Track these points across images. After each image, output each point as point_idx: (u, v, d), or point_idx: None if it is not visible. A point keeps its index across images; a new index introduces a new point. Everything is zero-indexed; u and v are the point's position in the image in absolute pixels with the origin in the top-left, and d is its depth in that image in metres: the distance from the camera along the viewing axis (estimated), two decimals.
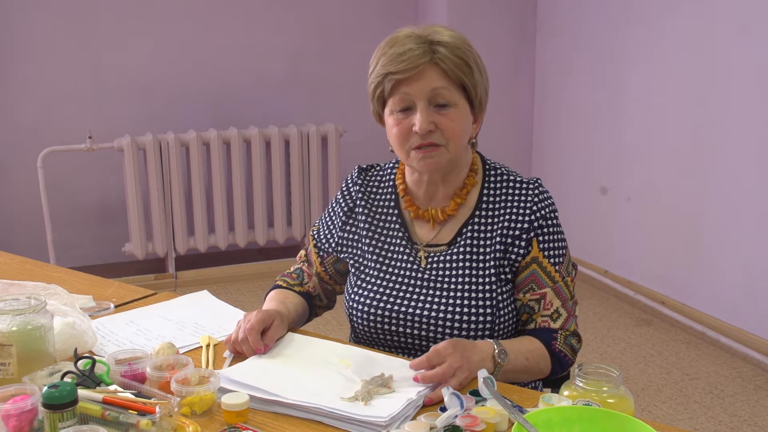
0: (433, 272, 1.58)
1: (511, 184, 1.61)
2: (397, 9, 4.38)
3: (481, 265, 1.56)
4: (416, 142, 1.52)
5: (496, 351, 1.44)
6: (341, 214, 1.70)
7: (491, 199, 1.60)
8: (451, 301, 1.54)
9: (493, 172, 1.63)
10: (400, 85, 1.51)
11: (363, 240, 1.65)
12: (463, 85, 1.52)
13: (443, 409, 1.23)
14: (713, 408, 2.94)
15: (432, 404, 1.31)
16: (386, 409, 1.26)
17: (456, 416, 1.20)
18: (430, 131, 1.50)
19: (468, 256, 1.56)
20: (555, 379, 1.63)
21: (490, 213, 1.59)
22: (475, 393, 1.29)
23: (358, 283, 1.64)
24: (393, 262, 1.61)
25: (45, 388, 1.16)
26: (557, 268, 1.57)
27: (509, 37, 4.36)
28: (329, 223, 1.72)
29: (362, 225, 1.66)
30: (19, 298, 1.39)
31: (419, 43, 1.50)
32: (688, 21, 3.46)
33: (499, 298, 1.55)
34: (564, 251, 1.59)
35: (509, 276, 1.57)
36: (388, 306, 1.57)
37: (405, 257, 1.61)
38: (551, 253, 1.57)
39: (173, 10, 4.03)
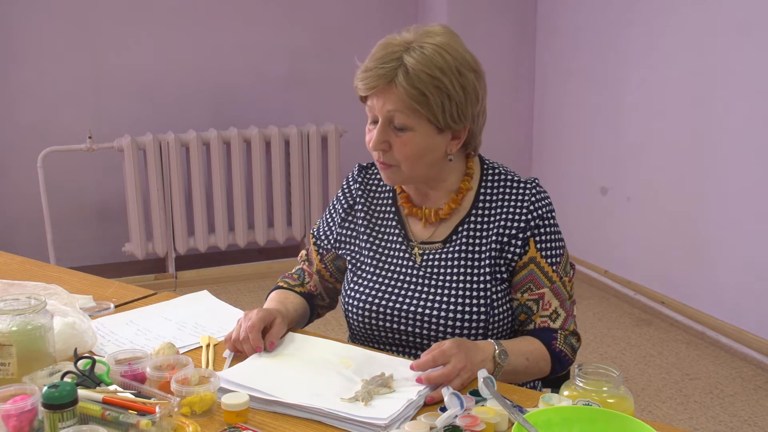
0: (428, 270, 1.58)
1: (508, 183, 1.60)
2: (397, 9, 4.38)
3: (476, 263, 1.56)
4: (375, 156, 1.56)
5: (497, 351, 1.44)
6: (341, 211, 1.70)
7: (488, 198, 1.60)
8: (444, 299, 1.54)
9: (491, 171, 1.63)
10: (365, 98, 1.53)
11: (361, 237, 1.66)
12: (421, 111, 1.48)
13: (443, 409, 1.23)
14: (713, 408, 2.94)
15: (432, 404, 1.31)
16: (386, 410, 1.26)
17: (456, 416, 1.20)
18: (383, 150, 1.52)
19: (463, 255, 1.57)
20: (554, 379, 1.63)
21: (486, 212, 1.59)
22: (475, 393, 1.29)
23: (355, 279, 1.64)
24: (389, 259, 1.62)
25: (45, 388, 1.16)
26: (555, 268, 1.57)
27: (509, 37, 4.36)
28: (329, 219, 1.73)
29: (361, 222, 1.67)
30: (19, 298, 1.39)
31: (389, 59, 1.47)
32: (688, 21, 3.45)
33: (494, 297, 1.55)
34: (561, 251, 1.59)
35: (504, 275, 1.57)
36: (383, 303, 1.58)
37: (401, 254, 1.61)
38: (549, 253, 1.57)
39: (173, 10, 4.02)
